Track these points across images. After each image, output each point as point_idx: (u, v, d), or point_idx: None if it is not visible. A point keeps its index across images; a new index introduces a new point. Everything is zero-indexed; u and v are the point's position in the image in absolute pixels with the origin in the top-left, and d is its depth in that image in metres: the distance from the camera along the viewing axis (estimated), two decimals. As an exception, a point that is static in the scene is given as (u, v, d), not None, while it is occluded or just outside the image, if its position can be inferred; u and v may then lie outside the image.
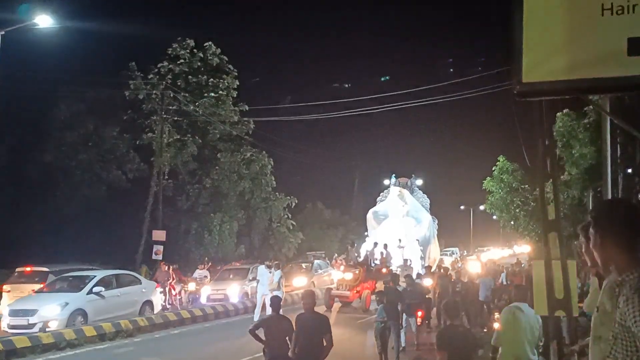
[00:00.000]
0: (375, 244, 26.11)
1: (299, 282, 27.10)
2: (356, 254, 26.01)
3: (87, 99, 31.27)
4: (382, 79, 53.07)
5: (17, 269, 20.62)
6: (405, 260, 25.42)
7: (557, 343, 4.53)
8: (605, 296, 2.61)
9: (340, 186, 49.57)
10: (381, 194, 32.41)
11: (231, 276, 24.77)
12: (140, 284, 19.30)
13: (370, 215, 31.24)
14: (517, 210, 33.48)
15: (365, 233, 33.33)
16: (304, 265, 30.27)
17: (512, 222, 34.90)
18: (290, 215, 38.02)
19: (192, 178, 34.92)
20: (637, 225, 2.38)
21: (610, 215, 2.43)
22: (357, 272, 22.11)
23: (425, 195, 32.92)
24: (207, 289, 23.71)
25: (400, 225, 29.53)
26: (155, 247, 28.39)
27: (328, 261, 33.04)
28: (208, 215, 33.37)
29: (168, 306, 21.81)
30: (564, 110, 21.69)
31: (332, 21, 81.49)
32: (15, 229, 26.75)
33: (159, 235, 28.82)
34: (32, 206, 29.11)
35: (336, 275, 24.36)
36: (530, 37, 3.12)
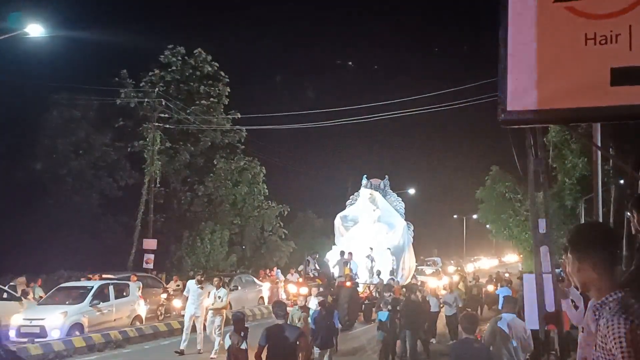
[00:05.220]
0: (342, 253, 23.08)
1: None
2: (313, 267, 22.59)
3: (78, 106, 31.14)
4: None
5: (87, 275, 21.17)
6: (378, 272, 23.06)
7: (547, 357, 4.50)
8: (589, 318, 2.62)
9: (334, 195, 49.58)
10: (351, 196, 29.25)
11: (63, 299, 17.33)
12: None
13: (338, 220, 27.84)
14: (510, 220, 33.62)
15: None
16: (226, 279, 25.84)
17: (504, 232, 35.03)
18: (282, 224, 37.90)
19: (184, 186, 34.83)
20: (613, 248, 2.43)
21: (586, 239, 2.46)
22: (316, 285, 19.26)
23: (400, 199, 29.79)
24: (18, 319, 16.09)
25: (371, 232, 26.62)
26: (146, 256, 28.26)
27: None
28: (199, 224, 33.24)
29: None
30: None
31: (326, 28, 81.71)
32: (4, 237, 26.52)
33: (150, 244, 28.68)
34: (23, 214, 28.87)
35: (291, 289, 21.41)
36: (515, 66, 3.14)
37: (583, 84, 2.94)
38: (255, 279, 27.19)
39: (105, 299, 17.67)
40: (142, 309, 19.13)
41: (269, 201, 36.79)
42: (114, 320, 17.73)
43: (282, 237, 37.90)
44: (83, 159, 31.36)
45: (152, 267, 27.79)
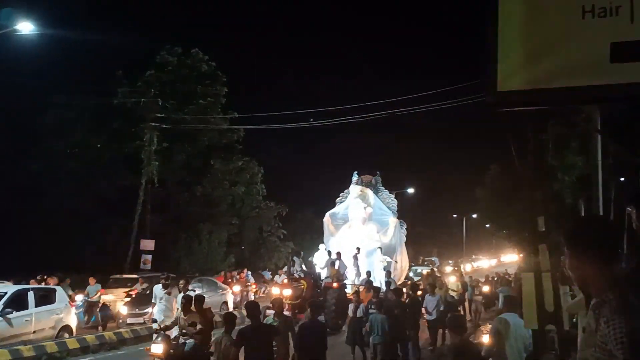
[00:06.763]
0: (329, 253, 22.00)
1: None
2: (299, 268, 20.96)
3: (74, 107, 30.98)
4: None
5: (112, 276, 23.01)
6: (368, 273, 21.28)
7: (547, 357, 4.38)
8: (591, 317, 2.45)
9: (333, 195, 49.50)
10: (341, 194, 27.51)
11: None
12: None
13: (327, 218, 26.38)
14: (510, 219, 33.52)
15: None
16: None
17: (504, 231, 34.96)
18: (281, 224, 37.77)
19: (181, 186, 34.65)
20: (613, 243, 2.28)
21: (585, 234, 2.30)
22: (301, 287, 18.41)
23: (393, 196, 28.13)
24: None
25: (362, 231, 25.39)
26: (144, 257, 28.13)
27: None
28: (197, 224, 33.07)
29: None
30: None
31: (324, 28, 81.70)
32: (1, 238, 26.37)
33: (147, 244, 28.57)
34: (19, 216, 28.74)
35: (274, 291, 19.82)
36: (506, 43, 2.89)
37: (580, 61, 2.71)
38: (218, 282, 25.03)
39: (22, 307, 14.91)
40: (72, 319, 16.68)
41: (267, 201, 36.64)
42: (34, 332, 15.08)
43: (281, 237, 37.79)
44: (79, 160, 31.19)
45: (149, 268, 27.62)
